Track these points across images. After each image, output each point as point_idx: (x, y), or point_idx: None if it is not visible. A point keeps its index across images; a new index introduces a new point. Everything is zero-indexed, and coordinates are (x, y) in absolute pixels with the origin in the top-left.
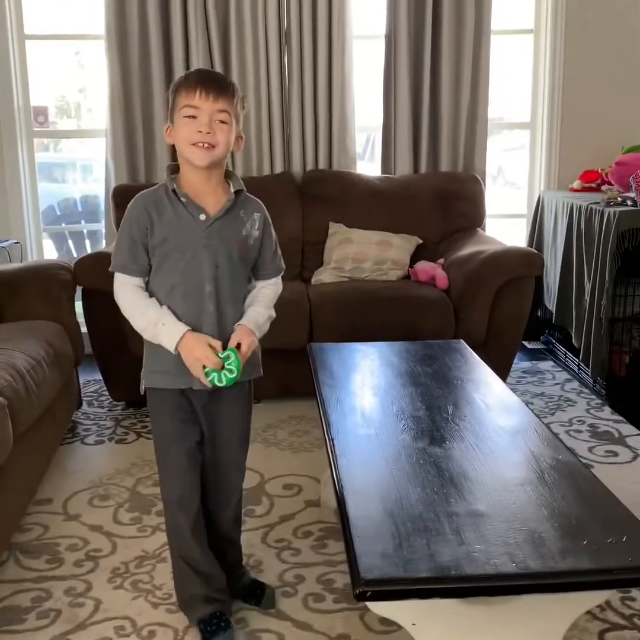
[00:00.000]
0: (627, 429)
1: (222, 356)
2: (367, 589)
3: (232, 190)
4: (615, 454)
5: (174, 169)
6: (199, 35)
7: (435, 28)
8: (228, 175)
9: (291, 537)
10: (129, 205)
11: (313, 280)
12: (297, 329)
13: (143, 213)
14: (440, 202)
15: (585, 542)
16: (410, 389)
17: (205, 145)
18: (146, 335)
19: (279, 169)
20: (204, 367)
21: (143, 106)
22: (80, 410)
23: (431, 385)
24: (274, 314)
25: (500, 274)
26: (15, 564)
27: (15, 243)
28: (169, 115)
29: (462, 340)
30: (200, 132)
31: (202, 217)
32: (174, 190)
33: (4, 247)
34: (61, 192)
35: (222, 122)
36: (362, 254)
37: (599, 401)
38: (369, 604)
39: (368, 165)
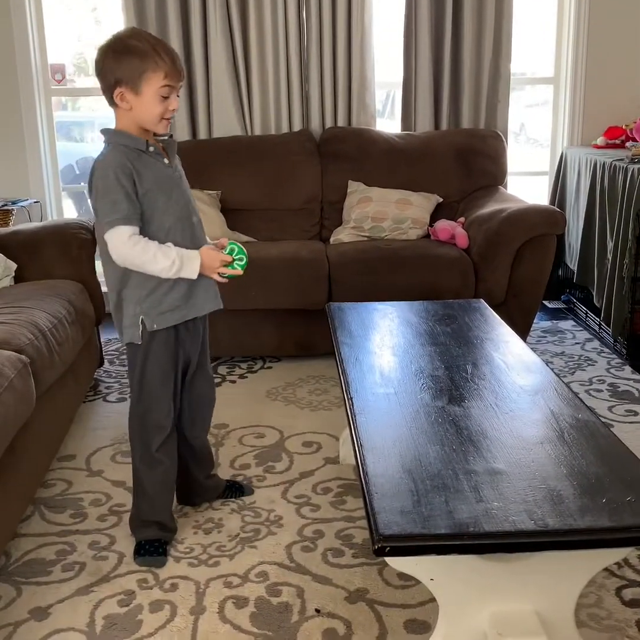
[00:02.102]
0: None
1: (227, 251)
2: (385, 544)
3: (165, 137)
4: (635, 414)
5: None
6: None
7: None
8: None
9: (311, 493)
10: (105, 164)
11: (332, 240)
12: (316, 288)
13: (127, 164)
14: (461, 159)
15: (604, 500)
16: (429, 348)
17: (171, 117)
18: (170, 273)
19: (297, 126)
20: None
21: None
22: (102, 368)
23: (450, 344)
24: None
25: (521, 232)
26: (40, 518)
27: (35, 202)
28: (133, 82)
29: (482, 300)
30: (174, 109)
31: (166, 160)
32: (147, 142)
33: (24, 207)
34: (80, 150)
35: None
36: (381, 212)
37: (620, 360)
38: (387, 559)
39: (388, 122)
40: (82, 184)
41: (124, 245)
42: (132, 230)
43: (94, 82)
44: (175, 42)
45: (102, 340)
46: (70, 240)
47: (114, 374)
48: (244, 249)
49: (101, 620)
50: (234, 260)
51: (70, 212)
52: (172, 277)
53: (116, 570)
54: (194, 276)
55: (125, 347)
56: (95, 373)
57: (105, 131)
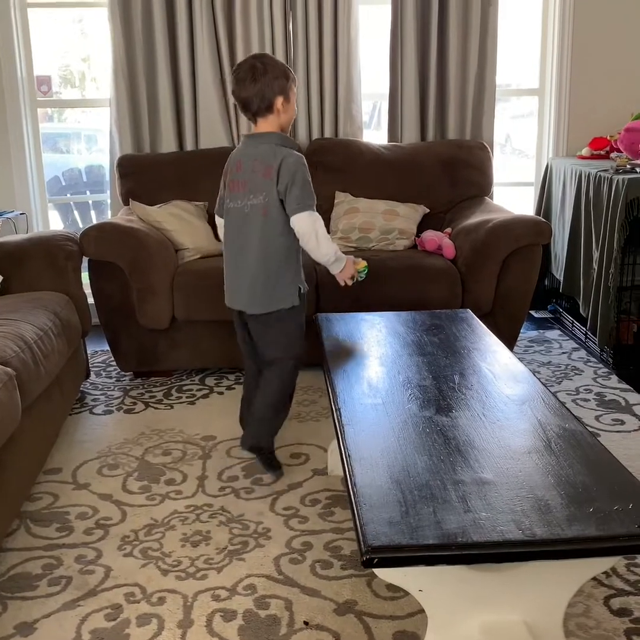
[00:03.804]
0: (634, 397)
1: (361, 270)
2: (374, 555)
3: None
4: (622, 423)
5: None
6: (203, 1)
7: None
8: None
9: (299, 505)
10: (300, 161)
11: None
12: None
13: None
14: (447, 170)
15: (591, 510)
16: (416, 358)
17: None
18: (328, 260)
19: None
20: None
21: (147, 75)
22: (88, 380)
23: (438, 354)
24: None
25: (507, 243)
26: (26, 532)
27: (21, 214)
28: (286, 92)
29: (469, 310)
30: None
31: None
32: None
33: (10, 219)
34: (66, 162)
35: None
36: (368, 223)
37: (606, 370)
38: (376, 570)
39: (375, 134)
40: (68, 195)
41: (315, 224)
42: (318, 215)
43: (80, 94)
44: (161, 54)
45: (88, 352)
46: (56, 252)
47: (100, 386)
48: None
49: (88, 634)
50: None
51: (56, 223)
52: (324, 262)
53: (103, 584)
54: (335, 272)
55: (275, 313)
56: (82, 385)
57: (272, 135)
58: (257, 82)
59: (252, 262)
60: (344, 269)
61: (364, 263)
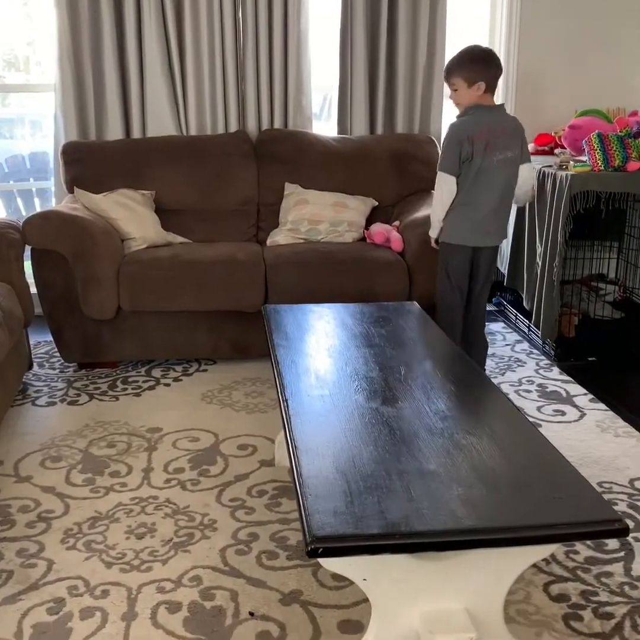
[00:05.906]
0: (575, 388)
1: None
2: (318, 545)
3: None
4: (563, 413)
5: None
6: None
7: None
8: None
9: (245, 496)
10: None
11: (268, 242)
12: (252, 290)
13: None
14: (395, 163)
15: (531, 498)
16: (364, 350)
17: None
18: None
19: (233, 127)
20: None
21: (93, 60)
22: (31, 371)
23: (385, 346)
24: None
25: None
26: None
27: None
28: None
29: (415, 302)
30: None
31: None
32: None
33: None
34: (9, 148)
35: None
36: (317, 215)
37: (548, 362)
38: (320, 560)
39: (325, 125)
40: (10, 182)
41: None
42: None
43: (24, 78)
44: (108, 38)
45: (31, 342)
46: None
47: (43, 378)
48: None
49: (30, 629)
50: None
51: None
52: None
53: (45, 577)
54: None
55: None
56: (24, 376)
57: (502, 105)
58: (473, 65)
59: (499, 203)
60: None
61: None
